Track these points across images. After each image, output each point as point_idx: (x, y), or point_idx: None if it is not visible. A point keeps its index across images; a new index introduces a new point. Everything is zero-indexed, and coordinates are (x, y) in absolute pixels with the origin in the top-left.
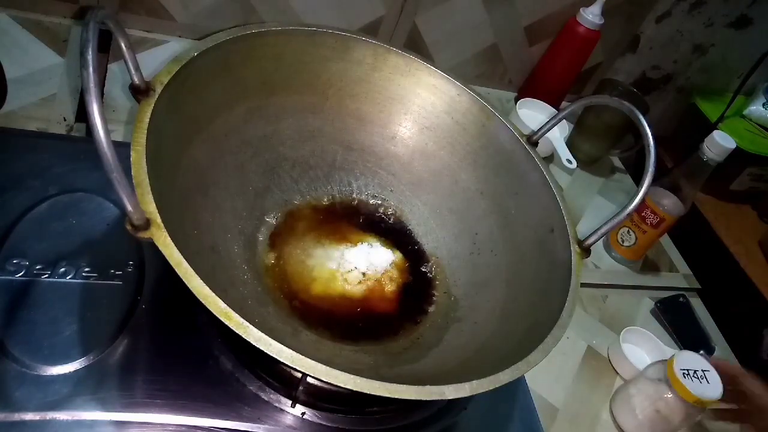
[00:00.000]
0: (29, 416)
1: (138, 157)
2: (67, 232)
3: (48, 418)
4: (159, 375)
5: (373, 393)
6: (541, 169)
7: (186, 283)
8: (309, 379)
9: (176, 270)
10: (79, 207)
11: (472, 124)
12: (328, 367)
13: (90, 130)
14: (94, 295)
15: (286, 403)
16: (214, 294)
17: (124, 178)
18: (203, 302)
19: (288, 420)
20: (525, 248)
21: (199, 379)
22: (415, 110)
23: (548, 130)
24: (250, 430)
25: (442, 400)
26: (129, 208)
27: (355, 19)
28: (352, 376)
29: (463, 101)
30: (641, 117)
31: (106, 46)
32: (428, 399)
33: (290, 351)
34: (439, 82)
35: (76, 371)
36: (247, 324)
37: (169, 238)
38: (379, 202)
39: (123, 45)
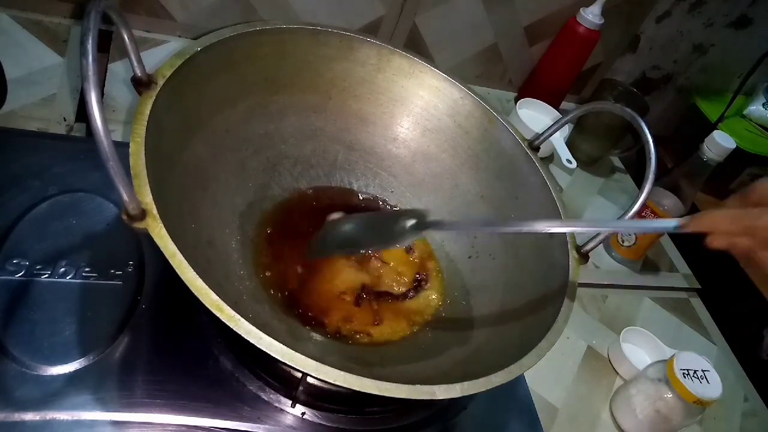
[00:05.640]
0: (29, 416)
1: (137, 148)
2: (67, 232)
3: (48, 418)
4: (159, 375)
5: (363, 390)
6: (542, 174)
7: (179, 274)
8: (309, 379)
9: (170, 261)
10: (79, 207)
11: (474, 128)
12: (318, 363)
13: (88, 122)
14: (94, 295)
15: (286, 403)
16: (206, 286)
17: (121, 167)
18: (196, 294)
19: (288, 420)
20: (523, 253)
21: (199, 379)
22: (418, 112)
23: (550, 135)
24: (250, 430)
25: (441, 400)
26: (125, 197)
27: (355, 19)
28: (342, 372)
29: (465, 104)
30: (643, 124)
31: (106, 46)
32: (418, 398)
33: (280, 345)
34: (442, 84)
35: (76, 371)
36: (239, 317)
37: (164, 230)
38: (380, 203)
39: (125, 36)
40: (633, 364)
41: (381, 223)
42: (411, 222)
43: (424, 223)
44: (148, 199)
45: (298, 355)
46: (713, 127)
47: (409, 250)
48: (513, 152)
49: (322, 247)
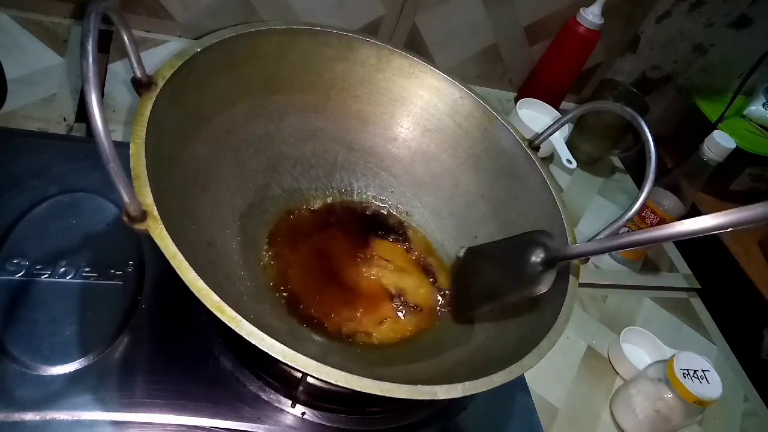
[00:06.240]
0: (29, 416)
1: (137, 150)
2: (67, 232)
3: (48, 418)
4: (159, 375)
5: (364, 390)
6: (542, 174)
7: (180, 275)
8: (309, 379)
9: (171, 262)
10: (79, 207)
11: (474, 128)
12: (319, 363)
13: (89, 124)
14: (94, 295)
15: (286, 403)
16: (207, 287)
17: (121, 168)
18: (197, 295)
19: (288, 420)
20: None
21: (199, 379)
22: (418, 112)
23: (550, 134)
24: (250, 430)
25: (442, 400)
26: (126, 198)
27: (355, 19)
28: (343, 372)
29: (466, 104)
30: (643, 123)
31: (106, 46)
32: (420, 398)
33: (282, 346)
34: (442, 84)
35: (76, 371)
36: (240, 318)
37: (165, 231)
38: (380, 203)
39: (125, 37)
40: (633, 364)
41: (511, 261)
42: (540, 256)
43: (554, 257)
44: (148, 200)
45: (299, 356)
46: (713, 127)
47: (408, 250)
48: (513, 152)
49: (468, 305)
